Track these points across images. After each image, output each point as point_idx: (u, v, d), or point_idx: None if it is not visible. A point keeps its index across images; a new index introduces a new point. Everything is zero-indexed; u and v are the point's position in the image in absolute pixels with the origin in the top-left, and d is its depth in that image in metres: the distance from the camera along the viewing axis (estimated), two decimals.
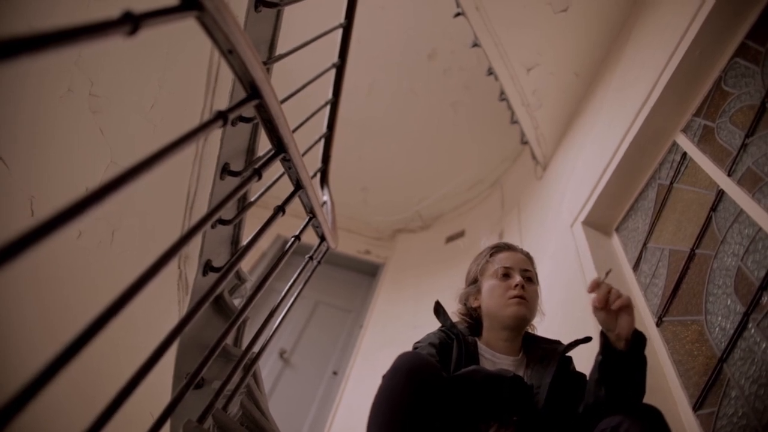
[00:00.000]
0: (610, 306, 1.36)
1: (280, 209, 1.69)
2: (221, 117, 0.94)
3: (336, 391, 4.54)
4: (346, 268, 6.00)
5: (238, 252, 1.49)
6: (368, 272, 6.05)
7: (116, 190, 0.62)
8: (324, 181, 2.98)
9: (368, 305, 5.44)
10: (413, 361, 1.33)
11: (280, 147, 1.55)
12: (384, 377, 1.32)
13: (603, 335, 1.40)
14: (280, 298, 1.94)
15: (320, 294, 5.48)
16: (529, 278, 1.73)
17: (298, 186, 1.83)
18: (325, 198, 2.90)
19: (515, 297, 1.66)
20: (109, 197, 0.61)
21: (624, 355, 1.34)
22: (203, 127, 0.92)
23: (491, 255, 1.82)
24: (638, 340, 1.36)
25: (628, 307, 1.36)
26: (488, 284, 1.76)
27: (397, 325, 4.74)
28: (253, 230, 1.96)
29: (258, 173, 1.40)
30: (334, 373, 4.82)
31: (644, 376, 1.37)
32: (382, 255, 6.18)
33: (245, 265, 4.89)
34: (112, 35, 0.60)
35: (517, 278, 1.69)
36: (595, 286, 1.39)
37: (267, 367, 4.70)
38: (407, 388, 1.26)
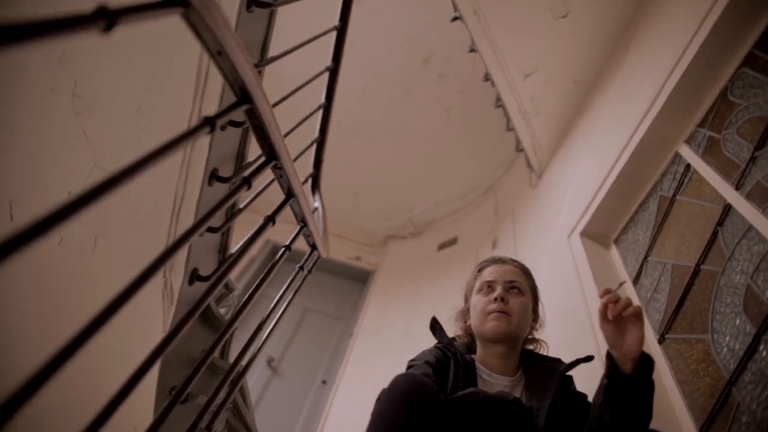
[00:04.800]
0: (619, 315, 1.28)
1: (270, 219, 1.62)
2: (209, 123, 0.88)
3: (325, 401, 4.46)
4: (336, 275, 5.94)
5: (227, 262, 1.42)
6: (359, 279, 5.99)
7: (97, 198, 0.57)
8: (315, 186, 2.91)
9: (358, 313, 5.37)
10: (410, 383, 1.26)
11: (271, 154, 1.48)
12: (378, 401, 1.25)
13: (609, 357, 1.32)
14: (269, 310, 1.87)
15: (309, 301, 5.41)
16: (516, 289, 1.66)
17: (290, 195, 1.76)
18: (317, 204, 2.83)
19: (493, 312, 1.60)
20: (90, 206, 0.56)
21: (631, 379, 1.27)
22: (190, 134, 0.86)
23: (479, 270, 1.78)
24: (646, 362, 1.28)
25: (638, 319, 1.28)
26: (473, 301, 1.71)
27: (388, 334, 4.66)
28: (242, 235, 1.90)
29: (248, 182, 1.33)
30: (323, 382, 4.75)
31: (651, 402, 1.30)
32: (373, 261, 6.12)
33: (234, 272, 4.76)
34: (83, 31, 0.53)
35: (497, 291, 1.63)
36: (607, 292, 1.32)
37: (254, 375, 4.63)
38: (403, 413, 1.19)
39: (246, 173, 1.36)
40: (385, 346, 4.46)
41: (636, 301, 2.31)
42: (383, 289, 5.55)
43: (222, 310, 2.13)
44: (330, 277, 5.84)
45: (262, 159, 1.50)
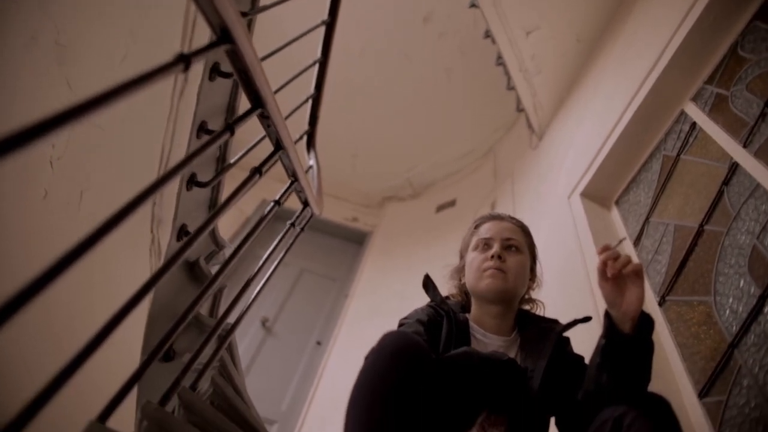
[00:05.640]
0: (619, 273, 1.22)
1: (257, 171, 1.56)
2: (183, 60, 0.85)
3: (319, 362, 4.45)
4: (332, 236, 5.88)
5: (211, 213, 1.36)
6: (355, 240, 5.94)
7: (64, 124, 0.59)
8: (311, 144, 2.84)
9: (355, 274, 5.33)
10: (399, 341, 1.19)
11: (257, 101, 1.41)
12: (366, 358, 1.18)
13: (607, 316, 1.26)
14: (259, 265, 1.82)
15: (305, 261, 5.37)
16: (514, 247, 1.60)
17: (278, 146, 1.69)
18: (312, 162, 2.76)
19: (489, 269, 1.53)
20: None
21: (630, 340, 1.21)
22: (162, 70, 0.83)
23: (476, 227, 1.71)
24: (645, 322, 1.22)
25: (638, 277, 1.22)
26: (469, 258, 1.65)
27: (384, 295, 4.64)
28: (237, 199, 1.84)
29: (230, 128, 1.26)
30: (318, 343, 4.73)
31: (650, 363, 1.24)
32: (371, 223, 6.06)
33: (228, 231, 4.78)
34: None
35: (494, 248, 1.57)
36: (606, 249, 1.26)
37: (248, 336, 4.61)
38: (392, 370, 1.13)
39: (230, 120, 1.30)
40: (381, 308, 4.45)
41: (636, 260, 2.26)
42: (380, 250, 5.51)
43: (213, 269, 2.08)
44: (326, 238, 5.79)
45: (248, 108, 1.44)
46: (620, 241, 1.32)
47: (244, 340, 4.53)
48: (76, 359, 0.69)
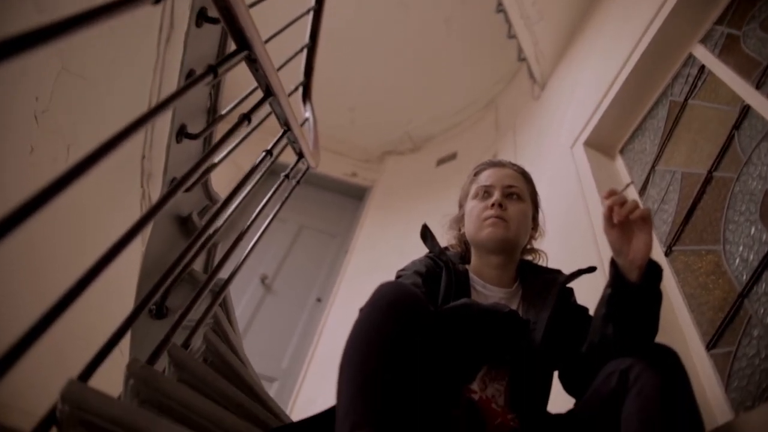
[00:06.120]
0: (626, 219, 1.15)
1: (245, 117, 1.50)
2: None
3: (319, 319, 4.45)
4: (331, 191, 5.82)
5: (199, 159, 1.29)
6: (355, 196, 5.87)
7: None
8: (306, 96, 2.76)
9: (354, 230, 5.29)
10: (395, 291, 1.13)
11: (242, 43, 1.33)
12: (361, 310, 1.12)
13: (613, 264, 1.19)
14: (251, 218, 1.77)
15: (304, 218, 5.33)
16: (515, 195, 1.53)
17: (268, 93, 1.61)
18: (308, 114, 2.70)
19: (490, 218, 1.47)
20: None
21: (637, 289, 1.15)
22: None
23: (475, 174, 1.64)
24: (653, 270, 1.16)
25: (646, 223, 1.15)
26: (469, 206, 1.58)
27: (384, 251, 4.60)
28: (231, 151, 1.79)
29: (214, 71, 1.19)
30: (318, 299, 4.72)
31: (658, 313, 1.19)
32: (370, 178, 5.98)
33: (226, 190, 4.65)
34: None
35: (494, 196, 1.50)
36: (612, 194, 1.18)
37: (248, 293, 4.59)
38: (387, 322, 1.06)
39: (214, 63, 1.24)
40: (381, 263, 4.40)
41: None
42: (380, 205, 5.46)
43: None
44: (326, 194, 5.74)
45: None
46: (627, 186, 1.25)
47: (244, 298, 4.53)
48: (61, 301, 0.71)
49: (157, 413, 1.10)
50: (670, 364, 1.07)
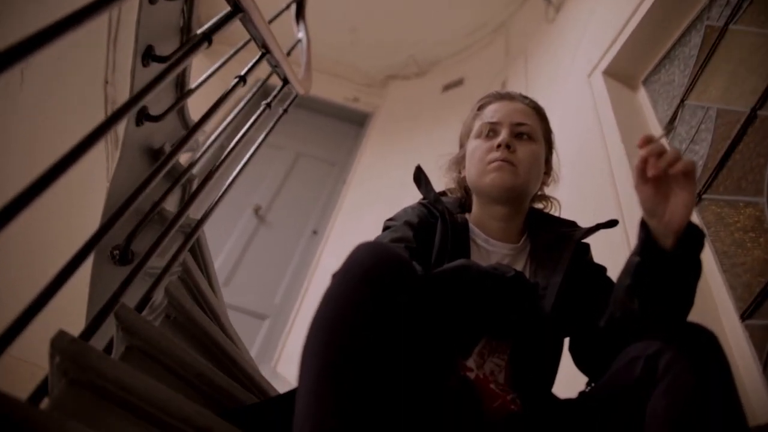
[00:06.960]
0: (663, 173, 0.92)
1: (205, 38, 1.27)
2: None
3: (314, 252, 4.36)
4: (331, 117, 5.63)
5: (155, 77, 1.07)
6: (356, 122, 5.68)
7: None
8: (300, 14, 2.52)
9: (354, 158, 5.14)
10: (374, 255, 0.89)
11: None
12: (333, 277, 0.90)
13: (644, 227, 0.98)
14: (227, 150, 1.58)
15: (302, 145, 5.17)
16: (526, 134, 1.30)
17: (237, 8, 1.36)
18: (301, 35, 2.47)
19: (495, 161, 1.26)
20: None
21: (672, 257, 0.94)
22: None
23: (479, 108, 1.40)
24: (693, 236, 0.95)
25: (689, 179, 0.92)
26: (471, 146, 1.36)
27: (384, 182, 4.46)
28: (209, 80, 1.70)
29: None
30: (314, 232, 4.62)
31: (694, 289, 0.99)
32: (372, 103, 5.77)
33: (212, 123, 4.46)
34: None
35: (501, 136, 1.28)
36: (648, 141, 0.93)
37: (240, 225, 4.50)
38: (362, 298, 0.83)
39: None
40: (380, 195, 4.28)
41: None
42: (382, 132, 5.29)
43: (184, 158, 1.83)
44: (325, 119, 5.55)
45: None
46: (666, 132, 1.00)
47: (235, 230, 4.44)
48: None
49: (90, 396, 0.90)
50: (706, 351, 0.87)
